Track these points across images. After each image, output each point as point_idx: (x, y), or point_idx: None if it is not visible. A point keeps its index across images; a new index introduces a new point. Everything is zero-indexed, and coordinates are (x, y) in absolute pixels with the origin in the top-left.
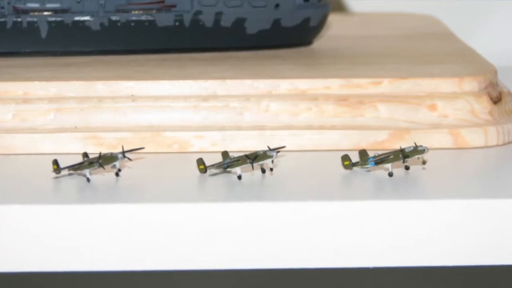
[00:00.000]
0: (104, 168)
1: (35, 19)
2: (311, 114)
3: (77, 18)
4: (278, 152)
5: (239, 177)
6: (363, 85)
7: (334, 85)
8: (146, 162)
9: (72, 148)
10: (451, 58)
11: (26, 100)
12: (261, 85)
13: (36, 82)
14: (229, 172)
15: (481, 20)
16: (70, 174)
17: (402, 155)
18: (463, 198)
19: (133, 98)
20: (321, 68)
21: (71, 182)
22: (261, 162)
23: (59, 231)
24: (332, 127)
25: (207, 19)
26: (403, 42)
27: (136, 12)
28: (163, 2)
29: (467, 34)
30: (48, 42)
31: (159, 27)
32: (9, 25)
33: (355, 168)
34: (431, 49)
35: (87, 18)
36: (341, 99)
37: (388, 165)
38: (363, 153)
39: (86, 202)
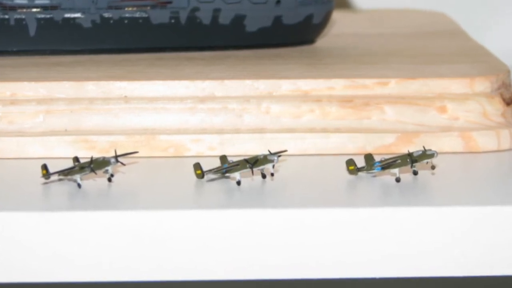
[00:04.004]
0: (95, 173)
1: (23, 16)
2: (314, 116)
3: (67, 15)
4: (279, 156)
5: (238, 183)
6: (368, 86)
7: (338, 85)
8: (140, 167)
9: (62, 152)
10: (462, 57)
11: (13, 102)
12: (262, 85)
13: (25, 83)
14: (228, 177)
15: (493, 17)
16: (60, 180)
17: (410, 159)
18: (474, 205)
19: (126, 99)
20: (324, 68)
21: (61, 188)
22: (261, 167)
23: (48, 239)
24: (336, 130)
25: (205, 16)
26: (411, 41)
27: (130, 8)
28: None
29: (479, 32)
30: (36, 40)
31: (153, 24)
32: None
33: (360, 173)
34: (440, 48)
35: (78, 15)
36: (346, 101)
37: (395, 170)
38: (369, 158)
39: (77, 209)
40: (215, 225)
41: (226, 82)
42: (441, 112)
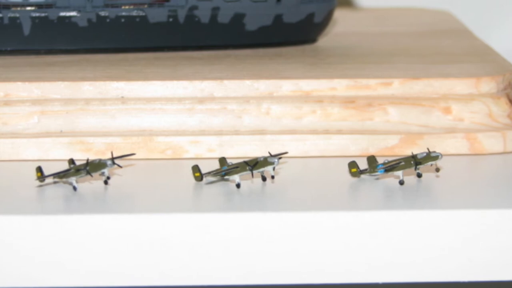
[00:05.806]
0: (91, 176)
1: (17, 15)
2: (316, 118)
3: (62, 14)
4: (280, 158)
5: (238, 186)
6: (372, 86)
7: (341, 86)
8: (137, 169)
9: (57, 154)
10: (467, 57)
11: (7, 102)
12: (262, 86)
13: (19, 83)
14: (227, 180)
15: (499, 16)
16: (55, 182)
17: (414, 161)
18: (479, 208)
19: (123, 100)
20: (326, 68)
21: (56, 191)
22: (261, 170)
23: (43, 243)
24: (339, 132)
25: (203, 15)
26: (416, 40)
27: (126, 7)
28: None
29: (484, 31)
30: (31, 39)
31: (151, 23)
32: None
33: (363, 176)
34: (445, 47)
35: (73, 13)
36: (348, 101)
37: (399, 173)
38: (371, 160)
39: (73, 212)
40: (214, 229)
41: (226, 82)
42: (445, 113)
